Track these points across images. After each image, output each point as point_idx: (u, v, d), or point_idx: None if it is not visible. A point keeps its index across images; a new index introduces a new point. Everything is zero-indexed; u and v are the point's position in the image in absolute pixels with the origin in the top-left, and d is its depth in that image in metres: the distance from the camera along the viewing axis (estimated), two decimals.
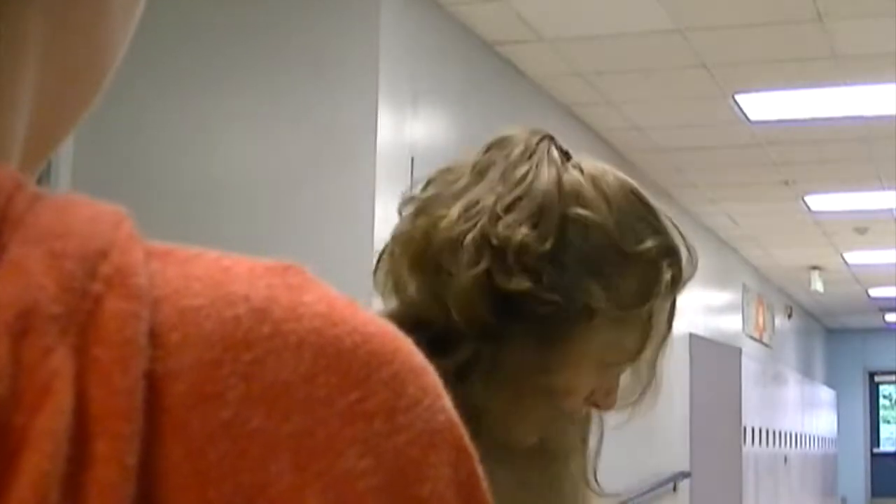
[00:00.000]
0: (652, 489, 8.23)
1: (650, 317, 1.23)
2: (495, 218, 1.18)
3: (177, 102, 4.88)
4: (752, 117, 7.04)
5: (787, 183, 8.73)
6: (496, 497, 0.43)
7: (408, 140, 4.89)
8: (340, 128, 4.66)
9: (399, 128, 4.87)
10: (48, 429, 0.35)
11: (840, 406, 17.66)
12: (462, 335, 1.16)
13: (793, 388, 14.23)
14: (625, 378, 1.27)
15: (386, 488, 0.38)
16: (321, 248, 4.39)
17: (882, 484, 18.56)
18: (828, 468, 16.33)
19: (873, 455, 19.12)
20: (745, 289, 12.14)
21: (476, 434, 0.42)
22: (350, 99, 4.68)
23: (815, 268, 12.58)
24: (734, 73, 6.27)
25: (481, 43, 5.71)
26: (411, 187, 1.29)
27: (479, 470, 0.42)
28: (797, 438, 13.87)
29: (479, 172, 1.23)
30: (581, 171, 1.25)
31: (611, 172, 1.27)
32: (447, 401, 0.42)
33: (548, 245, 1.17)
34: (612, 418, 1.33)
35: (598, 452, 1.34)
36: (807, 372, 15.99)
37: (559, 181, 1.21)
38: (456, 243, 1.18)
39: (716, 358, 10.30)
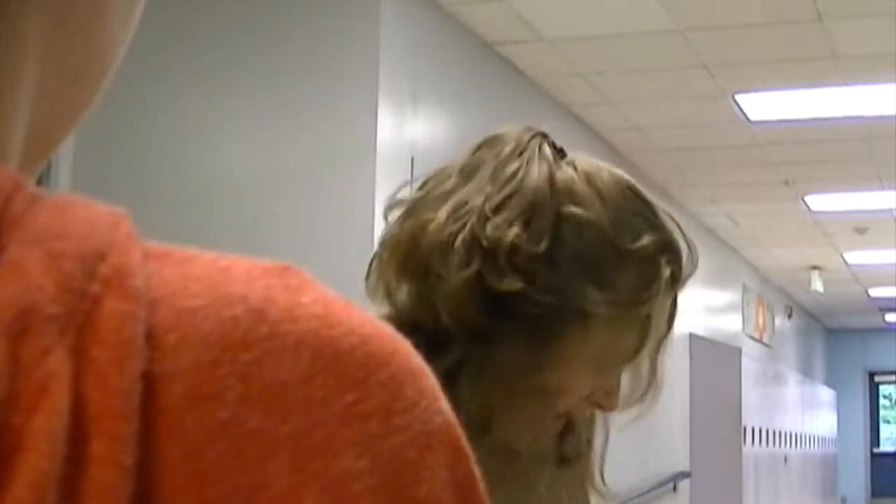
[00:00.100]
0: (652, 489, 8.23)
1: (649, 315, 1.21)
2: (484, 218, 1.16)
3: (177, 102, 4.88)
4: (752, 117, 7.04)
5: (787, 183, 8.73)
6: (493, 499, 0.43)
7: (408, 140, 4.89)
8: (340, 127, 4.66)
9: (399, 128, 4.87)
10: (46, 429, 0.35)
11: (840, 406, 17.66)
12: (452, 337, 1.15)
13: (793, 388, 14.23)
14: (625, 377, 1.26)
15: (383, 489, 0.38)
16: (321, 248, 4.39)
17: (882, 484, 18.56)
18: (828, 468, 16.32)
19: (873, 455, 19.12)
20: (745, 289, 12.14)
21: (470, 436, 0.42)
22: (350, 99, 4.68)
23: (815, 268, 12.58)
24: (734, 73, 6.27)
25: (481, 43, 5.71)
26: (399, 191, 1.27)
27: (476, 471, 0.42)
28: (797, 438, 13.87)
29: (468, 172, 1.22)
30: (575, 168, 1.23)
31: (606, 169, 1.25)
32: (444, 402, 0.42)
33: (542, 245, 1.15)
34: (617, 419, 1.32)
35: (603, 454, 1.33)
36: (807, 372, 15.99)
37: (551, 178, 1.19)
38: (445, 245, 1.16)
39: (716, 358, 10.30)
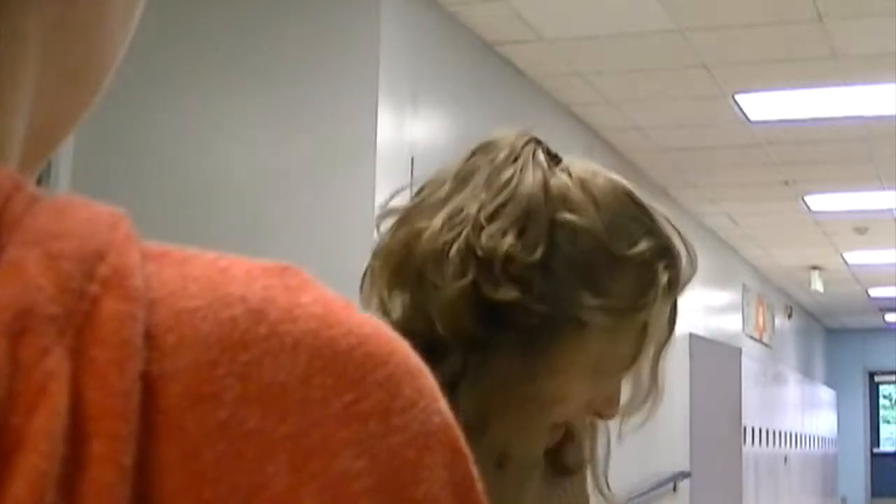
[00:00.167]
0: (652, 489, 8.23)
1: (646, 321, 1.19)
2: (479, 227, 1.14)
3: (177, 102, 4.88)
4: (752, 117, 7.04)
5: (787, 183, 8.73)
6: None
7: (408, 140, 4.89)
8: (340, 128, 4.66)
9: (399, 128, 4.87)
10: (45, 429, 0.35)
11: (840, 406, 17.66)
12: (448, 346, 1.13)
13: (793, 388, 14.23)
14: (626, 384, 1.24)
15: (381, 489, 0.38)
16: (321, 248, 4.39)
17: (882, 484, 18.56)
18: (828, 468, 16.33)
19: (873, 455, 19.12)
20: (745, 289, 12.14)
21: (467, 438, 0.42)
22: (350, 99, 4.68)
23: (815, 268, 12.58)
24: (734, 73, 6.27)
25: (481, 43, 5.71)
26: (391, 200, 1.25)
27: (475, 471, 0.42)
28: (797, 438, 13.87)
29: (462, 179, 1.20)
30: (569, 174, 1.21)
31: (601, 174, 1.23)
32: (443, 402, 0.42)
33: (537, 254, 1.14)
34: (618, 427, 1.30)
35: (606, 462, 1.31)
36: (807, 372, 15.99)
37: (545, 185, 1.18)
38: (440, 254, 1.15)
39: (716, 358, 10.30)
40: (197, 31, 4.88)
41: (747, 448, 11.25)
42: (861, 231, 10.41)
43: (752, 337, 12.35)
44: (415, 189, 1.26)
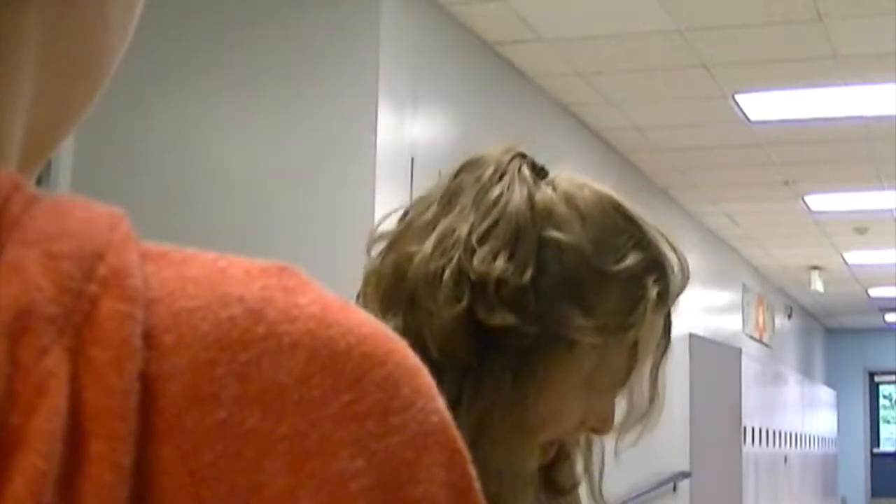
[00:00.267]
0: (652, 489, 8.23)
1: (637, 336, 1.18)
2: (471, 250, 1.13)
3: (177, 102, 4.88)
4: (752, 117, 7.04)
5: (787, 183, 8.73)
6: None
7: (408, 140, 4.89)
8: (340, 128, 4.66)
9: (399, 128, 4.87)
10: (43, 429, 0.35)
11: (840, 406, 17.65)
12: (442, 370, 1.10)
13: (793, 388, 14.23)
14: (625, 398, 1.22)
15: (379, 489, 0.39)
16: (320, 248, 4.39)
17: (882, 484, 18.56)
18: (828, 468, 16.32)
19: (873, 455, 19.12)
20: (745, 289, 12.14)
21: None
22: (350, 99, 4.68)
23: (815, 268, 12.58)
24: (734, 73, 6.27)
25: (481, 43, 5.71)
26: (382, 223, 1.23)
27: (472, 471, 0.42)
28: (797, 438, 13.86)
29: (449, 200, 1.18)
30: (554, 188, 1.19)
31: (588, 187, 1.21)
32: (440, 402, 0.42)
33: (527, 276, 1.12)
34: (621, 440, 1.28)
35: (601, 476, 1.28)
36: (807, 372, 15.99)
37: (531, 202, 1.16)
38: (433, 279, 1.13)
39: (716, 358, 10.30)
40: (197, 31, 4.88)
41: (747, 448, 11.24)
42: (861, 231, 10.41)
43: (752, 337, 12.35)
44: (398, 216, 1.24)
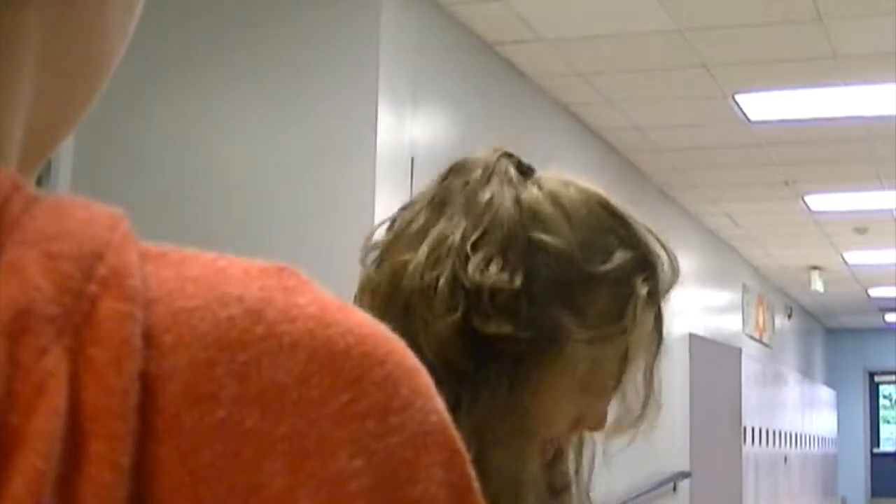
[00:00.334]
0: (652, 489, 8.23)
1: (630, 336, 1.17)
2: (464, 258, 1.12)
3: (177, 102, 4.88)
4: (752, 117, 7.04)
5: (787, 183, 8.73)
6: None
7: (408, 140, 4.89)
8: (340, 127, 4.66)
9: (399, 128, 4.87)
10: (43, 429, 0.35)
11: (840, 406, 17.65)
12: (440, 379, 1.11)
13: (793, 388, 14.23)
14: (620, 399, 1.22)
15: (378, 489, 0.39)
16: (320, 248, 4.39)
17: (882, 484, 18.56)
18: (828, 468, 16.32)
19: (873, 455, 19.12)
20: (745, 289, 12.14)
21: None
22: (350, 98, 4.68)
23: (815, 268, 12.58)
24: (734, 73, 6.27)
25: (481, 43, 5.71)
26: (375, 233, 1.22)
27: (471, 471, 0.42)
28: (797, 438, 13.86)
29: (438, 205, 1.18)
30: (540, 187, 1.18)
31: (574, 185, 1.20)
32: (439, 402, 0.42)
33: (518, 281, 1.11)
34: (616, 443, 1.28)
35: (590, 475, 1.28)
36: (807, 372, 15.99)
37: (518, 204, 1.16)
38: (428, 288, 1.12)
39: (716, 358, 10.30)
40: (197, 31, 4.88)
41: (747, 448, 11.24)
42: (861, 231, 10.41)
43: (752, 337, 12.35)
44: (387, 225, 1.23)
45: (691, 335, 9.48)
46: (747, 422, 11.29)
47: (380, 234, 1.23)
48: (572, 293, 1.15)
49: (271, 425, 0.38)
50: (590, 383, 1.18)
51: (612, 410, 1.24)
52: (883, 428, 19.76)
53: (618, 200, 1.23)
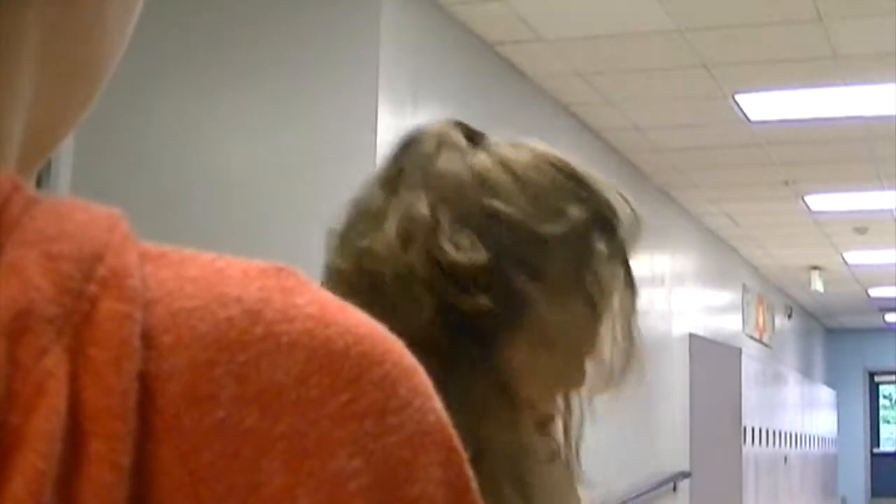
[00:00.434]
0: (652, 489, 8.23)
1: (594, 293, 1.17)
2: (435, 236, 1.11)
3: (177, 102, 4.88)
4: (752, 117, 7.04)
5: (787, 183, 8.73)
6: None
7: None
8: (340, 127, 4.66)
9: (399, 127, 4.84)
10: (43, 429, 0.35)
11: (840, 406, 17.65)
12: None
13: (793, 388, 14.22)
14: (600, 354, 1.21)
15: (376, 488, 0.39)
16: (320, 248, 4.39)
17: (882, 484, 18.55)
18: (828, 468, 16.32)
19: (873, 455, 19.11)
20: (745, 289, 12.14)
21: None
22: (350, 98, 4.68)
23: (815, 268, 12.58)
24: (734, 73, 6.27)
25: (481, 43, 5.71)
26: (341, 216, 1.21)
27: (469, 470, 0.42)
28: (797, 438, 13.86)
29: (393, 183, 1.17)
30: (489, 153, 1.17)
31: (525, 148, 1.20)
32: (437, 402, 0.42)
33: (484, 253, 1.10)
34: (608, 405, 1.27)
35: (579, 440, 1.26)
36: (807, 372, 15.98)
37: (470, 172, 1.15)
38: (405, 271, 1.11)
39: (716, 358, 10.29)
40: (197, 31, 4.88)
41: (747, 448, 11.24)
42: (861, 231, 10.41)
43: (752, 337, 12.35)
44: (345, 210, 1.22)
45: (691, 335, 9.48)
46: (747, 422, 11.29)
47: (337, 221, 1.21)
48: (530, 258, 1.14)
49: (270, 425, 0.38)
50: (564, 344, 1.18)
51: (595, 368, 1.22)
52: (883, 428, 19.76)
53: (574, 159, 1.21)
